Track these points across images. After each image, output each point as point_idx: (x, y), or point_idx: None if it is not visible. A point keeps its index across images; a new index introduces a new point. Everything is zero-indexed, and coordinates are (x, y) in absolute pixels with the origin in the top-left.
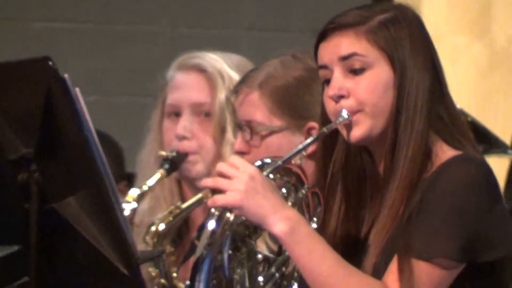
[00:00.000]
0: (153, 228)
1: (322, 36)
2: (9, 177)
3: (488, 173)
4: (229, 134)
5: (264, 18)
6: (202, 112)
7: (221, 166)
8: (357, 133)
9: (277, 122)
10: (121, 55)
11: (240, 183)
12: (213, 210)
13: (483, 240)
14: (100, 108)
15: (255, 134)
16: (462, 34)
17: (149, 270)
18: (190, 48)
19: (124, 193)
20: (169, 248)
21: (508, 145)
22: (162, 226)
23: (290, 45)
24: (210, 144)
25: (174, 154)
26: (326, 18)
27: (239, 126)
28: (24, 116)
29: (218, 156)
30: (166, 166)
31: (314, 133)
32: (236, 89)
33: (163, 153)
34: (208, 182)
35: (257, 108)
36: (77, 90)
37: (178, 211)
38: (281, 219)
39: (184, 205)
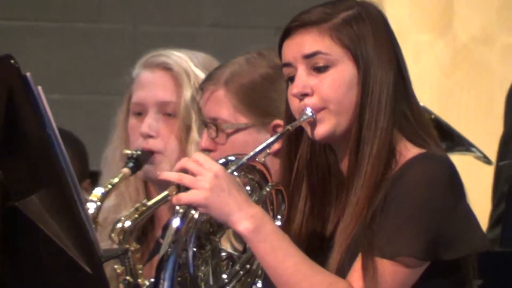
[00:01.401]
0: (119, 225)
1: (286, 33)
2: None
3: (451, 170)
4: (194, 133)
5: (227, 15)
6: (168, 111)
7: (185, 162)
8: (321, 131)
9: (242, 120)
10: (84, 53)
11: (205, 181)
12: (178, 207)
13: (447, 238)
14: (62, 107)
15: (221, 132)
16: (425, 32)
17: (114, 267)
18: (153, 46)
19: (88, 191)
20: (134, 246)
21: (471, 143)
22: (128, 223)
23: (253, 42)
24: (175, 143)
25: (139, 152)
26: (289, 15)
27: (204, 124)
28: None
29: (183, 156)
30: (131, 164)
31: (280, 130)
32: (202, 87)
33: (128, 151)
34: (172, 176)
35: (222, 106)
36: (39, 88)
37: (144, 208)
38: (246, 217)
39: (150, 202)
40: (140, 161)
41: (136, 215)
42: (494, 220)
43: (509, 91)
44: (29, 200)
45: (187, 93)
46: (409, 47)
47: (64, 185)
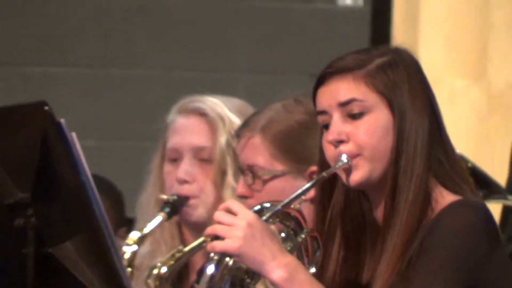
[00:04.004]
0: (155, 271)
1: (320, 80)
2: (6, 222)
3: (488, 218)
4: (230, 178)
5: (261, 60)
6: (203, 156)
7: (219, 215)
8: (356, 177)
9: (279, 167)
10: (117, 99)
11: (238, 230)
12: (212, 254)
13: (483, 286)
14: (97, 153)
15: (257, 178)
16: (460, 77)
17: None
18: (186, 92)
19: (124, 238)
20: None
21: (508, 191)
22: (164, 269)
23: (287, 88)
24: (210, 188)
25: (175, 197)
26: (323, 60)
27: (241, 170)
28: (20, 161)
29: (219, 200)
30: (167, 209)
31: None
32: (238, 133)
33: (164, 196)
34: (207, 231)
35: (259, 153)
36: (74, 134)
37: (180, 254)
38: (279, 266)
39: (186, 249)
40: (176, 206)
41: (172, 261)
42: None
43: None
44: (63, 247)
45: (222, 139)
46: (444, 92)
47: (98, 232)
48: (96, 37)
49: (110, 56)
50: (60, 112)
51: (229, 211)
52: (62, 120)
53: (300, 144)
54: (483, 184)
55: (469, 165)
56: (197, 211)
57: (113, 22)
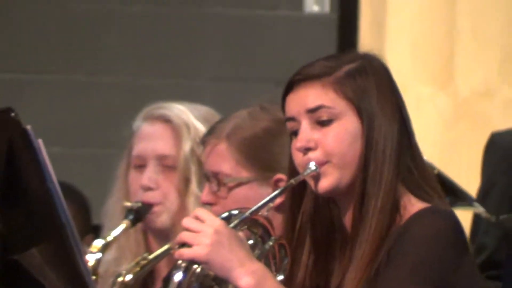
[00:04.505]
0: (120, 279)
1: (289, 87)
2: None
3: (456, 226)
4: (194, 186)
5: (228, 68)
6: (167, 164)
7: (187, 221)
8: (324, 184)
9: (244, 174)
10: (84, 106)
11: (206, 237)
12: (180, 261)
13: None
14: (64, 160)
15: (222, 186)
16: (426, 85)
17: None
18: (153, 99)
19: (91, 245)
20: None
21: (473, 198)
22: (129, 277)
23: (254, 96)
24: (174, 195)
25: (139, 205)
26: (290, 68)
27: (206, 177)
28: None
29: (183, 208)
30: (131, 217)
31: (282, 184)
32: (204, 140)
33: (128, 204)
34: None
35: (224, 159)
36: (40, 141)
37: (145, 261)
38: (247, 273)
39: (151, 256)
40: (140, 213)
41: (137, 269)
42: None
43: (488, 143)
44: (29, 254)
45: (187, 146)
46: (410, 99)
47: (64, 238)
48: (62, 43)
49: (77, 62)
50: (27, 118)
51: (197, 219)
52: (29, 127)
53: (265, 151)
54: (449, 191)
55: (435, 172)
56: (161, 218)
57: (80, 28)
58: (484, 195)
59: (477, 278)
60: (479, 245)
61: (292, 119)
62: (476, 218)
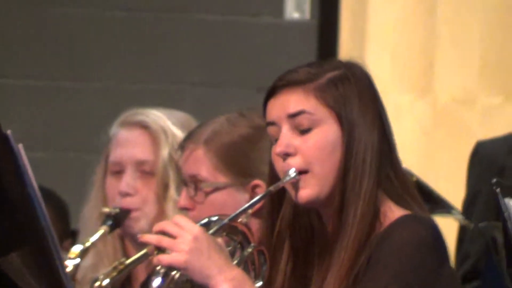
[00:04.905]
0: (97, 284)
1: (271, 92)
2: None
3: (436, 233)
4: (172, 191)
5: (208, 74)
6: (145, 169)
7: (164, 224)
8: (304, 196)
9: (221, 179)
10: (64, 111)
11: (184, 244)
12: (158, 267)
13: None
14: (45, 165)
15: (200, 191)
16: (405, 92)
17: None
18: (135, 104)
19: (69, 250)
20: None
21: (452, 205)
22: (106, 282)
23: (234, 102)
24: (152, 201)
25: (117, 210)
26: (270, 73)
27: (183, 182)
28: None
29: (161, 213)
30: (109, 222)
31: (259, 191)
32: (182, 145)
33: (106, 209)
34: (152, 238)
35: (202, 164)
36: (20, 146)
37: (122, 266)
38: (226, 280)
39: (129, 261)
40: (118, 219)
41: (114, 273)
42: None
43: (472, 152)
44: (9, 258)
45: (165, 152)
46: (389, 107)
47: (44, 243)
48: (46, 49)
49: (58, 68)
50: (7, 123)
51: (176, 225)
52: (9, 132)
53: (243, 157)
54: (428, 198)
55: (414, 179)
56: (139, 223)
57: (62, 34)
58: (469, 204)
59: (457, 286)
60: (464, 254)
61: (272, 123)
62: (462, 229)
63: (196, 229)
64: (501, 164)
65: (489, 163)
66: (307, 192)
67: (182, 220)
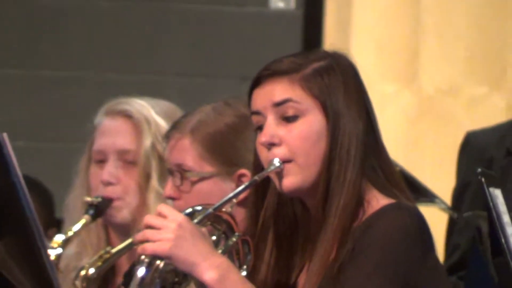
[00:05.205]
0: (83, 272)
1: (256, 82)
2: None
3: (421, 222)
4: (154, 181)
5: (193, 63)
6: (128, 159)
7: (149, 218)
8: (288, 184)
9: (207, 168)
10: (49, 100)
11: (169, 232)
12: (143, 256)
13: None
14: (28, 154)
15: (186, 180)
16: (390, 82)
17: None
18: (118, 94)
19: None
20: None
21: (435, 195)
22: (91, 270)
23: (219, 92)
24: (135, 190)
25: (99, 199)
26: (255, 63)
27: (169, 171)
28: None
29: (143, 203)
30: (91, 212)
31: (245, 180)
32: (168, 135)
33: (88, 198)
34: (137, 237)
35: (188, 154)
36: (5, 135)
37: (107, 255)
38: (211, 267)
39: (114, 250)
40: (100, 208)
41: (100, 263)
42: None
43: (463, 143)
44: None
45: (147, 141)
46: (374, 97)
47: (28, 232)
48: (27, 38)
49: (42, 57)
50: None
51: (160, 216)
52: None
53: (229, 146)
54: (411, 187)
55: (397, 169)
56: (121, 213)
57: (44, 23)
58: (459, 195)
59: (442, 277)
60: (453, 245)
61: (257, 113)
62: (451, 220)
63: (180, 217)
64: (490, 155)
65: (479, 153)
66: (291, 180)
67: (166, 209)
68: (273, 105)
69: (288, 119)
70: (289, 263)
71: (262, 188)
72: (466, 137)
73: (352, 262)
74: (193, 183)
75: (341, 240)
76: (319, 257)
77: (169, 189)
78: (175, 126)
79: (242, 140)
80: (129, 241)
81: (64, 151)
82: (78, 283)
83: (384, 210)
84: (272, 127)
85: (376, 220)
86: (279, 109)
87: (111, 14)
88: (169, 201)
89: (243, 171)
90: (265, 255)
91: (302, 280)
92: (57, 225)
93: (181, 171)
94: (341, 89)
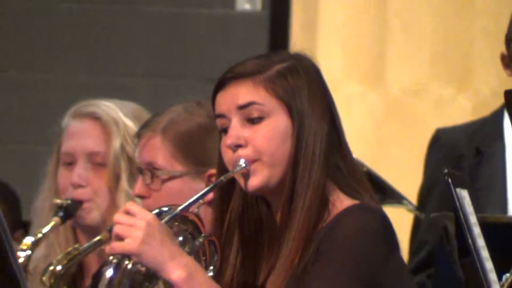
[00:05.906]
0: (50, 268)
1: (220, 85)
2: None
3: (385, 222)
4: (124, 182)
5: (160, 65)
6: (97, 161)
7: (118, 217)
8: (254, 183)
9: (178, 167)
10: (14, 102)
11: (138, 230)
12: (111, 257)
13: None
14: None
15: (156, 178)
16: (356, 84)
17: None
18: (86, 96)
19: (20, 241)
20: None
21: (402, 195)
22: (59, 267)
23: (186, 93)
24: (104, 192)
25: (68, 202)
26: (221, 65)
27: (140, 170)
28: None
29: (113, 204)
30: (61, 214)
31: (214, 180)
32: (139, 134)
33: (58, 201)
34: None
35: (158, 152)
36: None
37: (76, 252)
38: (178, 266)
39: (82, 247)
40: (70, 210)
41: (68, 259)
42: (412, 269)
43: (432, 139)
44: None
45: (116, 143)
46: (340, 98)
47: None
48: None
49: (9, 58)
50: None
51: (128, 214)
52: None
53: (200, 146)
54: (378, 188)
55: (365, 169)
56: (91, 214)
57: (12, 24)
58: (427, 193)
59: (406, 277)
60: (420, 242)
61: (222, 116)
62: (417, 218)
63: (149, 215)
64: (460, 152)
65: (449, 150)
66: (256, 179)
67: (134, 207)
68: (238, 108)
69: (253, 121)
70: (255, 265)
71: (227, 191)
72: (436, 133)
73: (317, 263)
74: (163, 181)
75: (305, 240)
76: (284, 258)
77: (139, 188)
78: (146, 125)
79: (213, 141)
80: (97, 238)
81: (31, 153)
82: (45, 279)
83: (347, 211)
84: (237, 129)
85: (340, 221)
86: (244, 112)
87: (78, 16)
88: (138, 200)
89: (213, 171)
90: (230, 258)
91: (268, 282)
92: (24, 228)
93: (152, 170)
94: (305, 90)
